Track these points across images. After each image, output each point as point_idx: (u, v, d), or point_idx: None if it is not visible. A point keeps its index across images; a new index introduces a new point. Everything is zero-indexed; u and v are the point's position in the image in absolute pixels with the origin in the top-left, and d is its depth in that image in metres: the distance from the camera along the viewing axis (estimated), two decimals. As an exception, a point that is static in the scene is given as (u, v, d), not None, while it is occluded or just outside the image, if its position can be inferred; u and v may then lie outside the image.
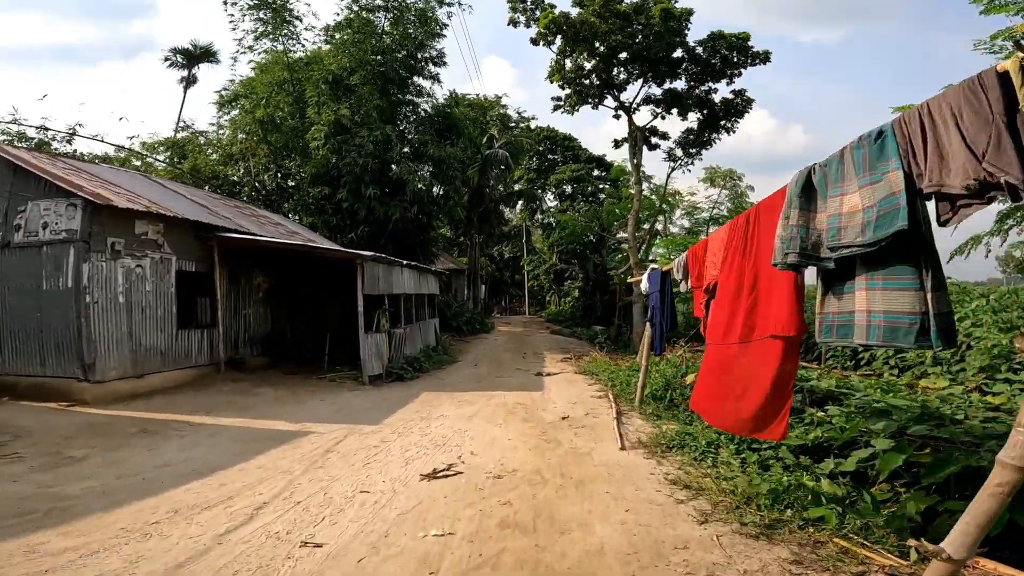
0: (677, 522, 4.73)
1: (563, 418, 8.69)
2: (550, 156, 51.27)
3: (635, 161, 20.64)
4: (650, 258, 22.48)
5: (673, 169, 22.34)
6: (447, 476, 6.05)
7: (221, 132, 26.32)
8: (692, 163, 22.23)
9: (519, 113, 39.62)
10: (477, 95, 39.16)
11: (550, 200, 51.28)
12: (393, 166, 21.86)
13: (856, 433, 5.92)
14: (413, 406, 9.92)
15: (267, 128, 23.75)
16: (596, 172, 47.68)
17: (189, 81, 37.40)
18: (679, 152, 22.23)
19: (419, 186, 22.05)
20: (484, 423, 8.47)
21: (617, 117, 21.24)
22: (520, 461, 6.52)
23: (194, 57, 37.77)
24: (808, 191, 2.93)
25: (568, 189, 46.25)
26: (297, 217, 24.06)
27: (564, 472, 6.07)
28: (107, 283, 10.34)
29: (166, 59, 38.05)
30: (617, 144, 24.20)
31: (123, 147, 25.55)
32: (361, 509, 5.17)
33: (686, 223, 25.79)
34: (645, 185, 26.23)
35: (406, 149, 23.57)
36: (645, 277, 8.71)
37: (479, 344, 21.40)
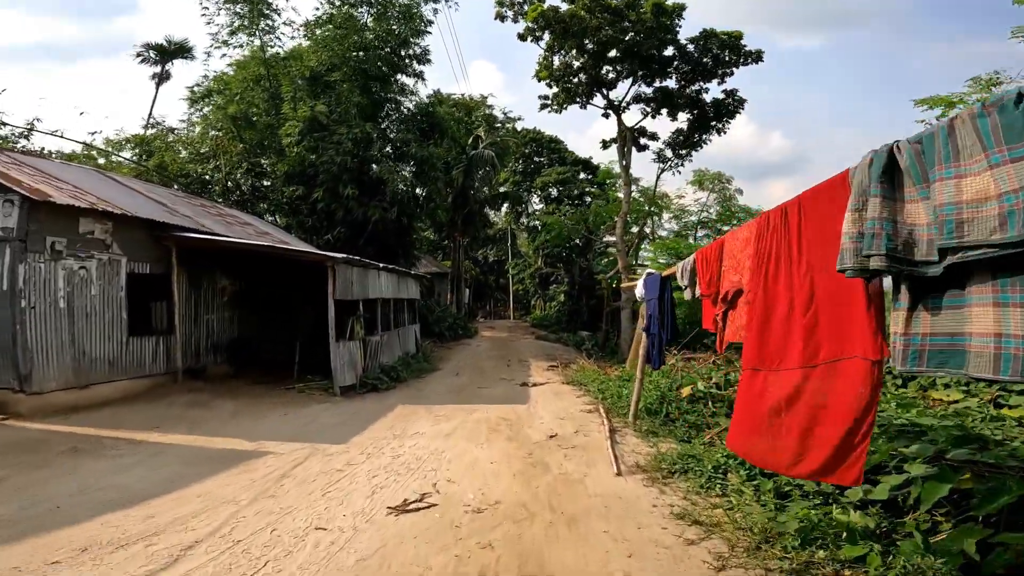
0: (691, 571, 3.97)
1: (551, 436, 7.89)
2: (536, 159, 50.72)
3: (624, 162, 20.03)
4: (638, 262, 21.87)
5: (663, 170, 21.81)
6: (419, 509, 5.22)
7: (192, 129, 25.18)
8: (683, 164, 21.72)
9: (505, 114, 38.93)
10: (463, 95, 38.45)
11: (536, 203, 50.72)
12: (373, 165, 20.96)
13: (886, 457, 5.23)
14: (386, 421, 9.05)
15: (240, 125, 22.71)
16: (583, 175, 47.23)
17: (162, 77, 36.06)
18: (668, 153, 21.69)
19: (400, 186, 21.18)
20: (464, 442, 7.64)
21: (606, 116, 20.64)
22: (503, 490, 5.71)
23: (168, 53, 36.43)
24: (891, 174, 2.19)
25: (554, 192, 45.73)
26: (273, 218, 23.03)
27: (554, 505, 5.27)
28: (46, 286, 9.32)
29: (138, 55, 36.68)
30: (605, 145, 23.59)
31: (85, 143, 24.27)
32: (314, 552, 4.33)
33: (675, 226, 25.28)
34: (633, 188, 25.71)
35: (388, 149, 22.68)
36: (641, 282, 7.97)
37: (462, 351, 20.53)
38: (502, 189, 51.35)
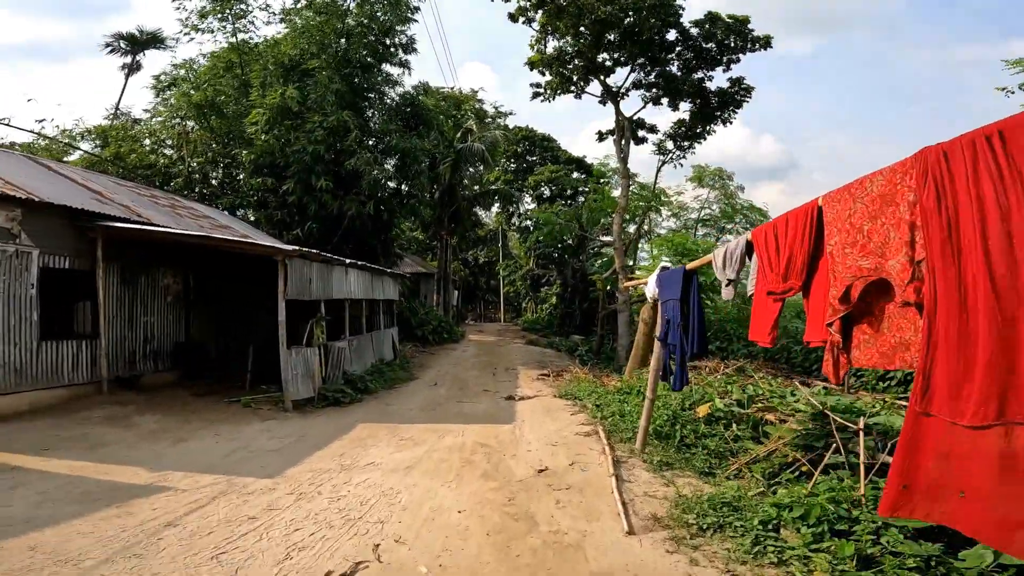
0: None
1: (540, 471, 6.25)
2: (528, 157, 49.38)
3: (621, 154, 18.49)
4: (638, 261, 20.28)
5: (663, 163, 20.28)
6: (345, 595, 3.59)
7: (157, 119, 23.38)
8: (684, 156, 20.21)
9: (496, 108, 37.34)
10: (452, 88, 36.88)
11: (527, 203, 49.23)
12: (351, 158, 19.31)
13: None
14: (337, 446, 7.38)
15: (207, 113, 20.95)
16: (576, 174, 45.94)
17: (132, 68, 34.06)
18: (669, 145, 20.16)
19: (379, 178, 19.49)
20: (427, 479, 5.99)
21: (603, 103, 19.09)
22: (471, 561, 4.08)
23: (139, 43, 34.50)
24: None
25: (546, 192, 44.40)
26: (242, 212, 21.30)
27: (541, 592, 3.65)
28: (-78, 278, 7.59)
29: (107, 44, 34.73)
30: (601, 137, 22.08)
31: (36, 132, 22.44)
32: None
33: (673, 224, 23.70)
34: (631, 183, 24.16)
35: (370, 141, 21.01)
36: (653, 279, 6.39)
37: (445, 357, 18.86)
38: (493, 188, 49.85)
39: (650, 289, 6.42)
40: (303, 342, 10.09)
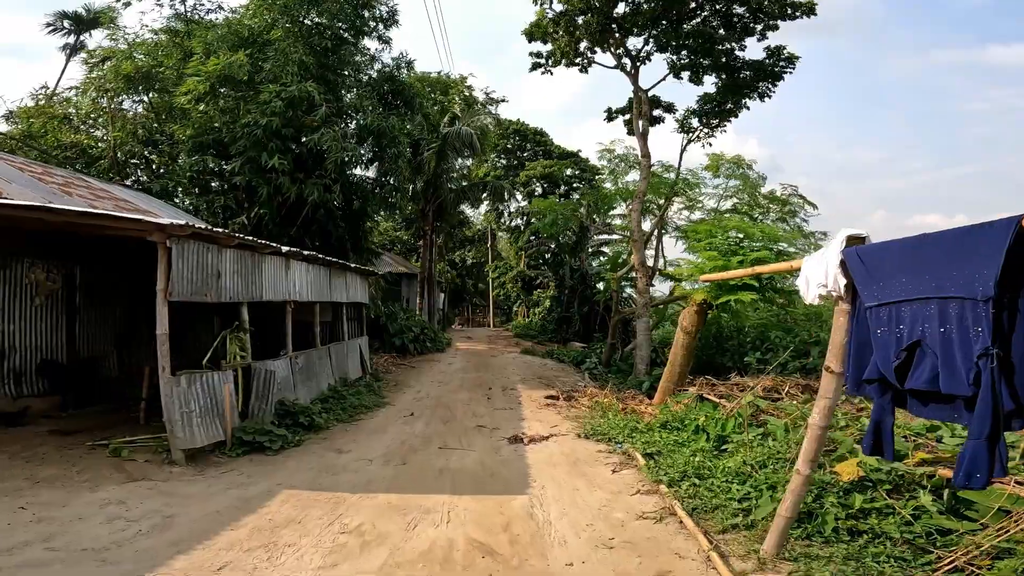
0: None
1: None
2: (519, 153, 46.51)
3: (640, 129, 15.45)
4: (668, 261, 17.19)
5: (688, 142, 17.24)
6: None
7: (87, 96, 19.86)
8: (713, 135, 17.22)
9: (487, 94, 34.11)
10: (439, 72, 33.73)
11: (519, 199, 46.24)
12: (315, 134, 15.99)
13: None
14: (218, 552, 4.12)
15: (140, 87, 17.51)
16: (570, 171, 43.16)
17: (75, 49, 30.31)
18: (695, 123, 17.15)
19: (347, 159, 16.19)
20: None
21: (621, 67, 15.99)
22: None
23: (84, 22, 30.75)
24: None
25: (539, 188, 41.52)
26: (180, 198, 17.88)
27: None
28: None
29: (48, 24, 30.99)
30: (611, 117, 19.01)
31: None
32: None
33: (696, 215, 20.63)
34: (635, 175, 21.13)
35: (350, 125, 17.73)
36: (831, 257, 3.29)
37: (428, 371, 15.58)
38: (482, 180, 46.57)
39: (822, 284, 3.33)
40: (207, 362, 6.81)
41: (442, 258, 44.06)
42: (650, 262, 16.14)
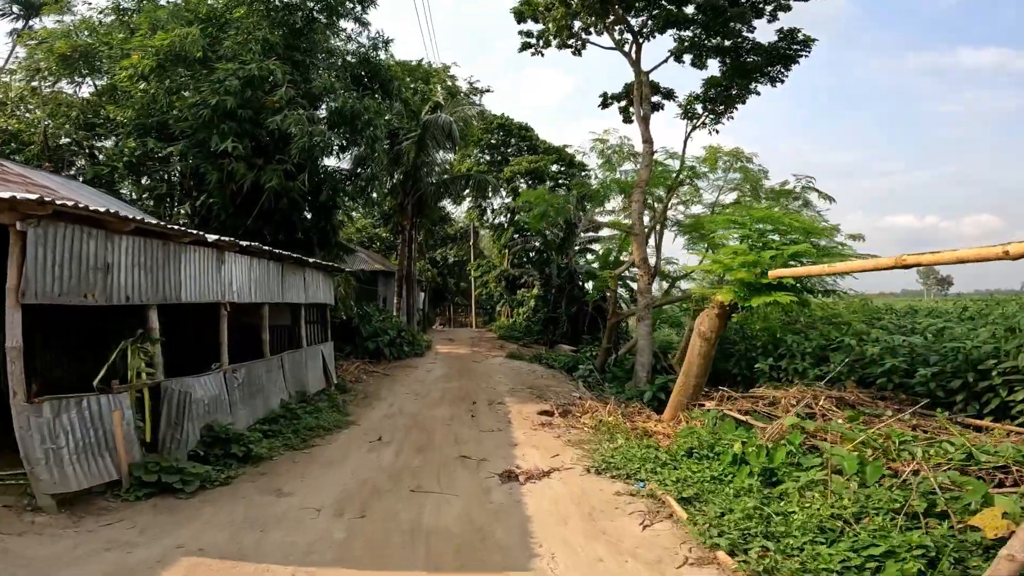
0: None
1: None
2: (503, 149, 44.96)
3: (641, 113, 13.97)
4: (662, 254, 15.67)
5: (693, 128, 15.79)
6: None
7: (17, 79, 17.73)
8: (719, 122, 15.79)
9: (471, 83, 32.45)
10: (420, 60, 31.99)
11: (504, 196, 44.70)
12: (278, 116, 14.19)
13: None
14: None
15: (77, 67, 15.49)
16: (555, 167, 41.83)
17: (21, 35, 27.92)
18: (699, 108, 15.73)
19: (315, 144, 14.43)
20: None
21: (620, 47, 14.53)
22: None
23: (33, 7, 28.32)
24: None
25: (523, 185, 40.07)
26: (126, 188, 15.90)
27: None
28: None
29: (-3, 9, 28.40)
30: (606, 103, 17.55)
31: None
32: None
33: (696, 209, 19.18)
34: (630, 166, 19.63)
35: (323, 112, 15.93)
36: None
37: (403, 379, 13.91)
38: (465, 173, 44.77)
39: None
40: (99, 380, 5.10)
41: (423, 256, 42.32)
42: (651, 260, 14.65)
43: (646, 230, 14.11)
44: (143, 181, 15.31)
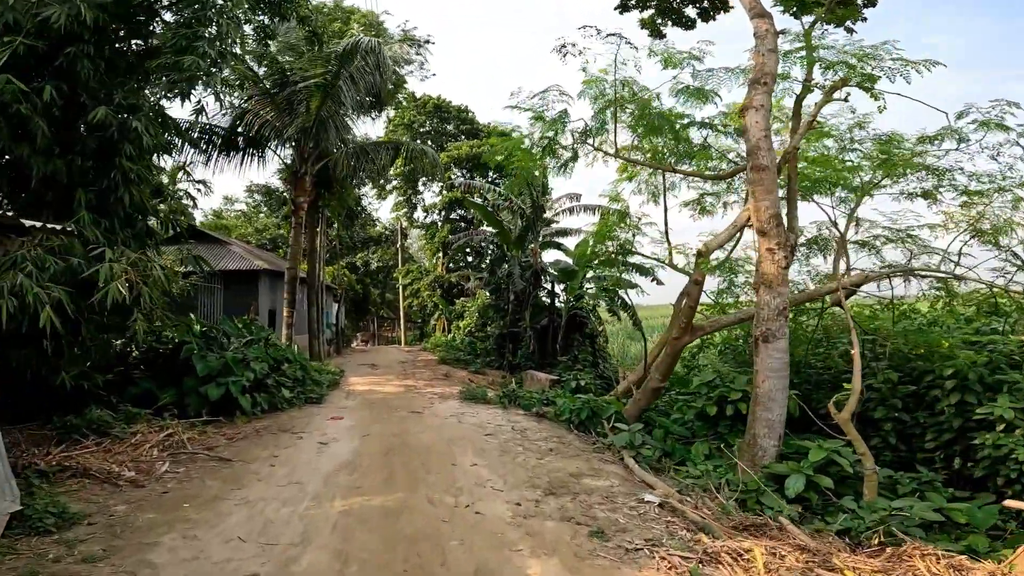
0: None
1: None
2: (439, 136, 38.16)
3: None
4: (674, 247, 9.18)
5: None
6: None
7: None
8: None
9: (405, 31, 25.11)
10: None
11: (435, 191, 37.56)
12: None
13: None
14: None
15: None
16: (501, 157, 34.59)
17: None
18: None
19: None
20: None
21: None
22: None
23: None
24: None
25: (460, 177, 33.44)
26: None
27: None
28: None
29: None
30: (625, 6, 11.22)
31: None
32: None
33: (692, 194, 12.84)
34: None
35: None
36: None
37: (251, 483, 6.47)
38: (392, 184, 37.39)
39: None
40: None
41: (337, 258, 34.04)
42: (677, 240, 7.99)
43: (776, 162, 7.16)
44: None
